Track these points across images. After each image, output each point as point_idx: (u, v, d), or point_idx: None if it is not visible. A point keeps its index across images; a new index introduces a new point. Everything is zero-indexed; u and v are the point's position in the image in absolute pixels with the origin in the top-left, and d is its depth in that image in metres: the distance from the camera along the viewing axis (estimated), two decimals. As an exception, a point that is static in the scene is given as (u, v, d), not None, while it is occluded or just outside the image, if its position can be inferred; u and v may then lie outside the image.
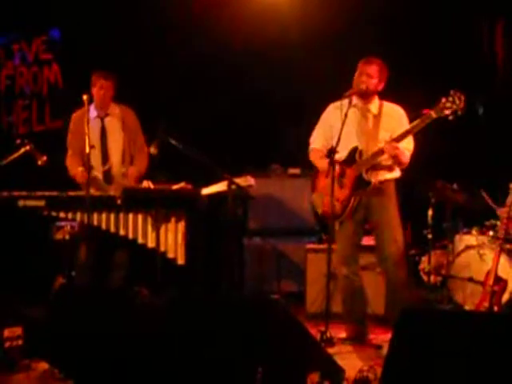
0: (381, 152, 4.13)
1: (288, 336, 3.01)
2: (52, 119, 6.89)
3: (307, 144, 4.54)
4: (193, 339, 3.05)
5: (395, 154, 4.12)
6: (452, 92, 3.97)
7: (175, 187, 4.63)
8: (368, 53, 4.35)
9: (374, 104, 4.29)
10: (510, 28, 5.81)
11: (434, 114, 3.99)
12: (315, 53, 5.84)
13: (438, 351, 2.56)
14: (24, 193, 4.55)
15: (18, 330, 3.75)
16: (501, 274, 4.24)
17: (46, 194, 4.55)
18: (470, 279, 4.61)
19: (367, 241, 4.69)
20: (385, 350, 3.34)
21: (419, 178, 4.94)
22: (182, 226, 4.58)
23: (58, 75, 6.87)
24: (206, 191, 4.60)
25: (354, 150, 4.21)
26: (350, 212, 4.23)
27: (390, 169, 4.24)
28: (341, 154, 4.20)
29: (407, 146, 4.20)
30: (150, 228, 4.56)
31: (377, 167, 4.20)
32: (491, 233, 4.87)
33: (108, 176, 4.81)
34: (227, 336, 2.97)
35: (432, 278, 5.16)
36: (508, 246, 4.61)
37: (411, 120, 4.21)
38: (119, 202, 4.48)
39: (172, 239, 4.57)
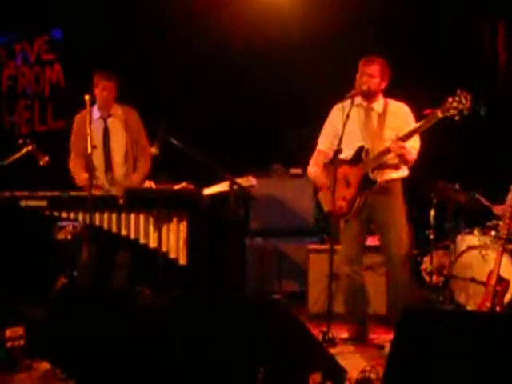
0: (387, 151, 4.12)
1: (290, 336, 3.01)
2: (54, 119, 6.89)
3: (309, 144, 4.55)
4: (194, 339, 3.05)
5: (401, 153, 4.12)
6: (458, 91, 3.95)
7: (177, 187, 4.63)
8: (369, 53, 4.34)
9: (379, 103, 4.28)
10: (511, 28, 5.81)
11: (440, 114, 3.98)
12: (316, 53, 5.84)
13: (439, 351, 2.56)
14: (26, 193, 4.55)
15: (19, 330, 3.76)
16: (503, 274, 4.24)
17: (48, 194, 4.55)
18: (472, 279, 4.60)
19: (371, 241, 4.69)
20: (387, 350, 3.35)
21: (421, 179, 4.94)
22: (183, 226, 4.58)
23: (60, 75, 6.88)
24: (207, 191, 4.60)
25: (361, 149, 4.21)
26: (356, 211, 4.23)
27: (396, 168, 4.23)
28: (347, 154, 4.21)
29: (414, 145, 4.19)
30: (151, 228, 4.56)
31: (383, 166, 4.19)
32: (493, 233, 4.87)
33: (110, 176, 4.81)
34: (229, 336, 2.97)
35: (434, 278, 5.16)
36: (510, 246, 4.60)
37: (416, 120, 4.22)
38: (121, 202, 4.48)
39: (174, 239, 4.57)
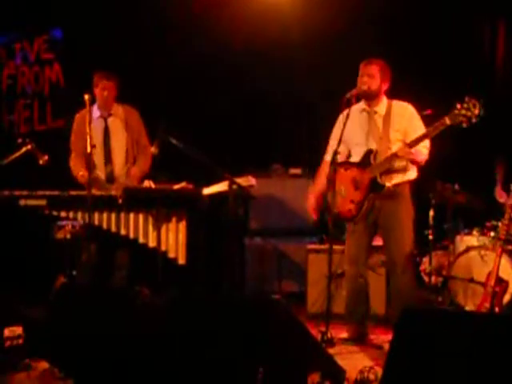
0: (395, 156, 4.12)
1: (289, 336, 3.01)
2: (53, 119, 6.89)
3: (308, 144, 4.56)
4: (194, 339, 3.05)
5: (410, 158, 4.14)
6: (467, 98, 3.92)
7: (176, 187, 4.63)
8: (368, 53, 4.35)
9: (381, 105, 4.28)
10: (511, 28, 5.81)
11: (448, 121, 3.95)
12: (316, 53, 5.84)
13: (438, 352, 2.56)
14: (25, 192, 4.55)
15: (18, 330, 3.75)
16: (502, 274, 4.24)
17: (47, 193, 4.55)
18: (471, 280, 4.61)
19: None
20: (386, 351, 3.35)
21: (420, 179, 4.94)
22: (183, 225, 4.58)
23: (60, 75, 6.88)
24: (207, 191, 4.60)
25: (369, 153, 4.21)
26: (364, 214, 4.23)
27: (404, 171, 4.22)
28: (355, 159, 4.27)
29: (424, 144, 4.18)
30: (151, 228, 4.56)
31: (391, 171, 4.18)
32: (492, 234, 4.88)
33: (110, 176, 4.81)
34: (228, 336, 2.97)
35: (433, 278, 5.16)
36: (509, 247, 4.61)
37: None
38: (120, 201, 4.48)
39: (173, 239, 4.57)
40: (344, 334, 4.35)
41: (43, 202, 4.53)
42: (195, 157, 4.39)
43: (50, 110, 6.95)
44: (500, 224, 4.54)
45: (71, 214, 4.58)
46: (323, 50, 5.84)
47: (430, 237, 5.08)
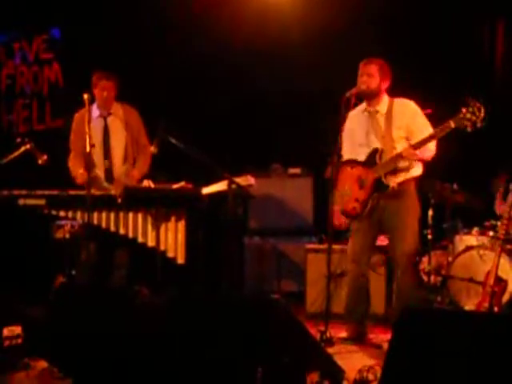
0: (399, 156, 4.12)
1: (288, 336, 3.01)
2: (52, 118, 6.90)
3: (308, 144, 4.56)
4: (193, 339, 3.05)
5: (414, 159, 4.14)
6: (472, 103, 3.92)
7: (175, 186, 4.62)
8: (369, 52, 4.35)
9: (383, 104, 4.28)
10: (511, 28, 5.81)
11: (453, 125, 3.95)
12: (316, 52, 5.84)
13: (437, 351, 2.56)
14: (24, 191, 4.54)
15: (17, 329, 3.75)
16: (501, 274, 4.24)
17: (46, 192, 4.54)
18: (470, 280, 4.61)
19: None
20: (385, 350, 3.34)
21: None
22: (182, 225, 4.58)
23: (59, 74, 6.88)
24: (206, 190, 4.60)
25: (375, 152, 4.22)
26: (368, 213, 4.23)
27: (408, 169, 4.22)
28: (361, 159, 4.27)
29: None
30: (150, 227, 4.56)
31: (395, 171, 4.18)
32: (491, 233, 4.88)
33: (109, 175, 4.81)
34: (227, 335, 2.97)
35: (432, 278, 5.16)
36: (508, 247, 4.61)
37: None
38: (119, 200, 4.48)
39: (172, 238, 4.56)
40: (343, 334, 4.35)
41: (42, 202, 4.52)
42: (194, 156, 4.39)
43: (48, 109, 6.95)
44: (499, 224, 4.54)
45: (70, 214, 4.57)
46: (323, 49, 5.84)
47: (429, 236, 5.08)
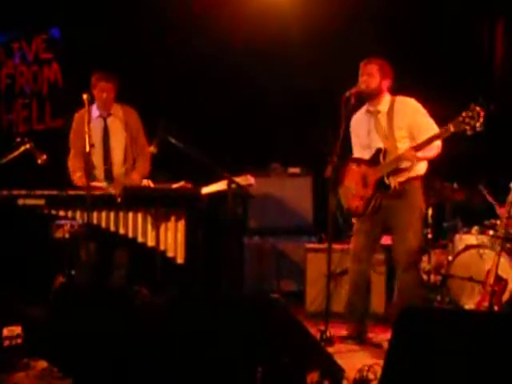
0: (402, 157, 4.13)
1: (288, 335, 3.01)
2: (52, 118, 6.90)
3: (308, 143, 4.56)
4: (193, 339, 3.05)
5: (415, 161, 4.14)
6: (472, 106, 3.91)
7: (175, 186, 4.62)
8: (368, 51, 4.36)
9: (384, 103, 4.28)
10: (511, 28, 5.81)
11: (452, 128, 3.94)
12: (316, 51, 5.84)
13: (437, 350, 2.56)
14: (24, 191, 4.54)
15: (17, 329, 3.75)
16: (501, 273, 4.24)
17: (46, 192, 4.54)
18: (470, 279, 4.61)
19: None
20: (385, 349, 3.34)
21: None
22: (181, 224, 4.57)
23: (58, 74, 6.88)
24: (205, 190, 4.60)
25: (379, 151, 4.22)
26: (371, 211, 4.24)
27: (410, 168, 4.22)
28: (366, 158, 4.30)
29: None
30: (149, 227, 4.55)
31: (397, 171, 4.18)
32: (491, 232, 4.87)
33: (109, 175, 4.81)
34: (227, 335, 2.97)
35: (432, 277, 5.16)
36: (508, 246, 4.61)
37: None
38: (119, 200, 4.47)
39: (172, 238, 4.56)
40: (344, 332, 4.35)
41: (42, 202, 4.52)
42: (194, 156, 4.39)
43: (48, 109, 6.95)
44: (499, 222, 4.54)
45: (70, 214, 4.57)
46: (323, 48, 5.84)
47: (429, 235, 5.08)
